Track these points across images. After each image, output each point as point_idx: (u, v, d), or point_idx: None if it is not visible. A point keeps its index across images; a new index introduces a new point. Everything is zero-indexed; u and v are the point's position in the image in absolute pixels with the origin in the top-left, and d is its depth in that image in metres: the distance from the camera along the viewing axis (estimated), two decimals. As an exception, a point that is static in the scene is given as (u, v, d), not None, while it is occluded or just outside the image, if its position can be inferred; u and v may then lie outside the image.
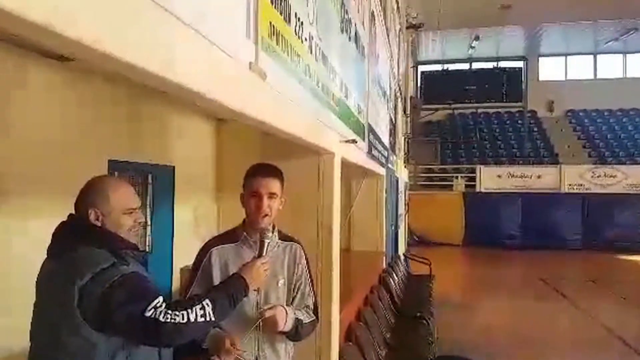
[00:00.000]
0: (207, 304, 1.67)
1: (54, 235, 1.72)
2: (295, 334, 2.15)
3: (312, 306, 2.26)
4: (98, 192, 1.72)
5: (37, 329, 1.66)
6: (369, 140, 5.60)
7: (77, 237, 1.67)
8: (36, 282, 1.69)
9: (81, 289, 1.54)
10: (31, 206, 3.24)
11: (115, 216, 1.71)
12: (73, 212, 1.75)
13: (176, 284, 5.28)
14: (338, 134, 3.60)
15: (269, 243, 2.05)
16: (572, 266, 14.87)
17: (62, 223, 1.74)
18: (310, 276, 2.32)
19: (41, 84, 3.34)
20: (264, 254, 2.02)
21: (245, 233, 2.18)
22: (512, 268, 14.41)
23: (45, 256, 1.71)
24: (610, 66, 23.90)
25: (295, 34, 2.40)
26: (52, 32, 0.89)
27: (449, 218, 17.43)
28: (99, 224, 1.70)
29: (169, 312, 1.57)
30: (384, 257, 7.80)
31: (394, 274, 7.77)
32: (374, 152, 6.16)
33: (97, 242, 1.65)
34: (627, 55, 23.80)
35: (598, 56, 24.00)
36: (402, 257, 10.46)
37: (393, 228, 9.12)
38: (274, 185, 2.13)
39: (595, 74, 24.15)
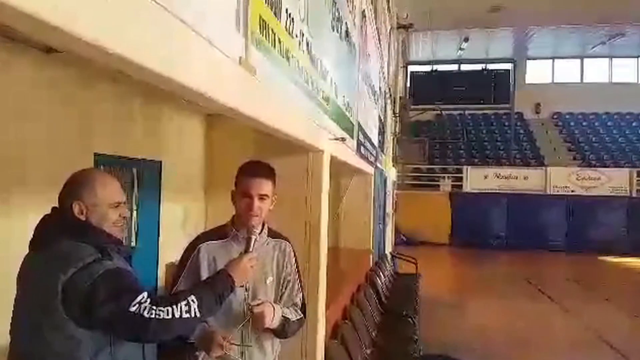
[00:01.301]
0: (192, 300, 1.65)
1: (36, 229, 1.68)
2: (282, 331, 2.14)
3: (299, 304, 2.26)
4: (84, 185, 1.69)
5: (18, 326, 1.62)
6: (358, 138, 5.61)
7: (60, 230, 1.63)
8: (17, 277, 1.65)
9: (65, 284, 1.51)
10: (15, 202, 3.20)
11: (101, 210, 1.68)
12: (57, 205, 1.71)
13: (162, 279, 5.24)
14: (327, 132, 3.60)
15: (255, 239, 2.04)
16: (556, 267, 15.04)
17: (45, 216, 1.70)
18: (299, 274, 2.31)
19: (27, 77, 3.29)
20: (251, 250, 2.00)
21: (234, 230, 2.17)
22: (498, 268, 14.53)
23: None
24: (597, 70, 24.22)
25: (286, 29, 2.39)
26: (52, 29, 0.89)
27: (436, 217, 17.55)
28: (83, 217, 1.66)
29: (154, 307, 1.55)
30: (372, 256, 7.81)
31: (381, 273, 7.79)
32: (363, 151, 6.17)
33: (80, 236, 1.62)
34: (613, 59, 24.11)
35: (585, 60, 24.30)
36: (389, 256, 10.50)
37: (381, 227, 9.14)
38: (266, 186, 2.12)
39: (581, 78, 24.46)
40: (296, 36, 2.58)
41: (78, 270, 1.53)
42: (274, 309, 2.08)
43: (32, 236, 1.68)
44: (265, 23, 2.06)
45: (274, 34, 2.18)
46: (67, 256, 1.56)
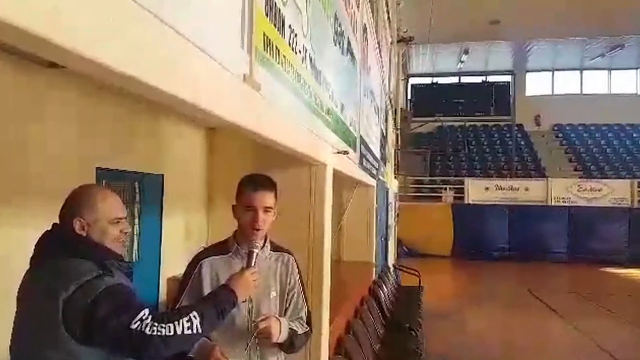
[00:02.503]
0: (194, 316, 1.64)
1: (37, 245, 1.68)
2: (290, 345, 2.12)
3: (305, 317, 2.24)
4: (84, 201, 1.68)
5: (18, 342, 1.61)
6: (360, 151, 5.62)
7: (60, 247, 1.63)
8: (17, 292, 1.65)
9: (65, 301, 1.50)
10: (16, 215, 3.19)
11: (101, 225, 1.67)
12: (57, 221, 1.71)
13: (163, 294, 5.22)
14: (330, 145, 3.60)
15: (257, 253, 2.02)
16: (558, 278, 14.98)
17: (46, 232, 1.70)
18: (303, 287, 2.29)
19: (28, 90, 3.30)
20: (253, 264, 1.99)
21: (236, 245, 2.15)
22: (500, 279, 14.48)
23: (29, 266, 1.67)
24: (596, 82, 24.33)
25: (289, 45, 2.41)
26: (48, 43, 0.89)
27: (437, 229, 17.49)
28: (84, 233, 1.66)
29: (156, 324, 1.54)
30: (374, 268, 7.79)
31: (384, 285, 7.76)
32: (365, 164, 6.18)
33: (81, 252, 1.62)
34: (612, 71, 24.24)
35: (584, 72, 24.42)
36: (391, 268, 10.46)
37: (383, 239, 9.12)
38: (269, 199, 2.10)
39: (581, 90, 24.58)
40: (299, 52, 2.60)
41: (79, 287, 1.52)
42: (280, 322, 2.06)
43: (33, 252, 1.67)
44: (269, 40, 2.07)
45: (278, 50, 2.19)
46: (68, 273, 1.56)
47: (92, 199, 1.69)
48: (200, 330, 1.65)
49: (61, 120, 3.63)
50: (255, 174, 2.23)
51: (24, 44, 0.94)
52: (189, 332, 1.61)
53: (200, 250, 2.28)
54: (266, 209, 2.09)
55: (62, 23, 0.91)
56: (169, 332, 1.56)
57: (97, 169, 4.01)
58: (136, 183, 5.00)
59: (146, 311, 1.56)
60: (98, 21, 1.01)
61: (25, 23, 0.83)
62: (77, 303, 1.50)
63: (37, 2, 0.85)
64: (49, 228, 1.72)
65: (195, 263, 2.15)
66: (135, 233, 4.97)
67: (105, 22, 1.03)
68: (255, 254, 2.01)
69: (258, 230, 2.08)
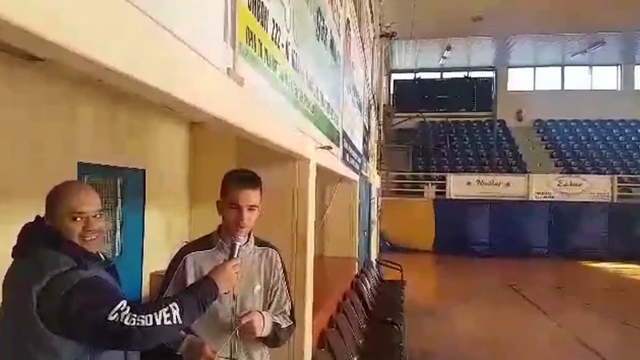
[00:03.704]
0: (174, 307, 1.63)
1: (18, 237, 1.68)
2: (274, 339, 2.14)
3: (289, 311, 2.25)
4: (50, 196, 1.69)
5: (2, 334, 1.61)
6: (343, 146, 5.63)
7: (36, 240, 1.63)
8: (2, 285, 1.64)
9: (39, 293, 1.50)
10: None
11: (61, 222, 1.66)
12: (42, 214, 1.71)
13: (146, 289, 5.19)
14: (313, 141, 3.61)
15: (239, 246, 2.02)
16: (539, 273, 15.17)
17: (27, 225, 1.70)
18: (287, 281, 2.30)
19: (8, 85, 3.25)
20: (235, 256, 1.99)
21: (220, 239, 2.16)
22: (481, 274, 14.62)
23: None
24: (577, 78, 24.64)
25: (273, 39, 2.40)
26: (41, 39, 0.89)
27: (420, 224, 17.61)
28: (54, 229, 1.66)
29: (134, 315, 1.54)
30: (357, 263, 7.82)
31: (366, 280, 7.80)
32: (349, 159, 6.19)
33: (55, 246, 1.61)
34: (593, 67, 24.56)
35: (565, 68, 24.70)
36: (374, 263, 10.51)
37: (366, 234, 9.16)
38: (255, 196, 2.10)
39: (562, 85, 24.84)
40: (282, 46, 2.60)
41: (52, 279, 1.52)
42: (263, 317, 2.07)
43: (15, 243, 1.68)
44: (253, 34, 2.07)
45: (261, 44, 2.19)
46: (42, 265, 1.56)
47: (54, 195, 1.69)
48: (180, 321, 1.64)
49: (43, 116, 3.58)
50: (240, 170, 2.22)
51: (22, 42, 0.94)
52: (169, 322, 1.60)
53: (184, 245, 2.27)
54: (251, 207, 2.09)
55: (56, 19, 0.91)
56: (148, 322, 1.56)
57: (79, 164, 3.98)
58: (118, 178, 4.96)
59: (124, 302, 1.56)
60: (88, 18, 1.01)
61: (24, 22, 0.83)
62: (52, 295, 1.50)
63: (37, 2, 0.86)
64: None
65: (179, 257, 2.14)
66: (117, 228, 4.93)
67: (93, 19, 1.03)
68: (237, 246, 2.01)
69: (243, 227, 2.08)
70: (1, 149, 3.18)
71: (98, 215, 1.71)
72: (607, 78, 24.56)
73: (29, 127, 3.47)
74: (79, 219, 1.67)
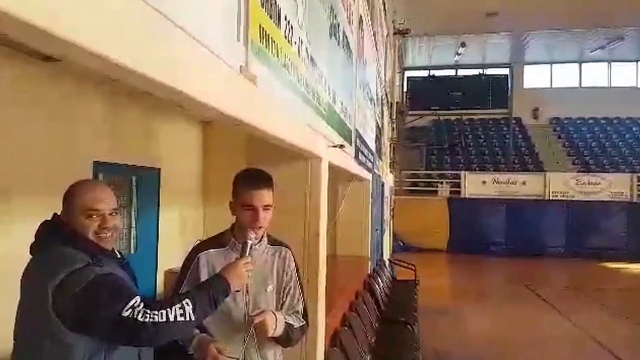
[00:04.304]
0: (187, 304, 1.65)
1: (35, 234, 1.71)
2: (286, 338, 2.14)
3: (301, 311, 2.25)
4: (67, 194, 1.72)
5: (18, 329, 1.64)
6: (356, 145, 5.61)
7: (52, 237, 1.66)
8: (20, 282, 1.67)
9: (54, 289, 1.52)
10: (15, 207, 3.19)
11: (77, 219, 1.68)
12: (58, 213, 1.74)
13: (161, 286, 5.22)
14: (326, 139, 3.59)
15: (251, 244, 2.03)
16: (555, 273, 15.02)
17: (44, 222, 1.73)
18: (300, 281, 2.30)
19: (22, 81, 3.28)
20: (247, 254, 1.99)
21: (233, 238, 2.16)
22: (496, 274, 14.52)
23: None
24: (595, 75, 24.23)
25: (285, 37, 2.39)
26: (48, 35, 0.88)
27: (433, 223, 17.49)
28: (69, 226, 1.69)
29: (148, 311, 1.55)
30: (369, 262, 7.79)
31: (379, 279, 7.77)
32: (361, 157, 6.17)
33: (70, 243, 1.64)
34: (612, 63, 24.16)
35: (583, 64, 24.33)
36: (387, 262, 10.47)
37: (378, 233, 9.13)
38: (268, 197, 2.10)
39: (580, 82, 24.47)
40: (295, 43, 2.58)
41: (67, 276, 1.53)
42: (275, 317, 2.07)
43: (33, 241, 1.71)
44: (265, 31, 2.06)
45: (274, 42, 2.18)
46: (57, 262, 1.58)
47: (71, 193, 1.72)
48: (193, 318, 1.65)
49: (58, 115, 3.61)
50: (251, 170, 2.22)
51: (27, 37, 0.94)
52: (182, 319, 1.62)
53: (197, 243, 2.28)
54: (266, 207, 2.09)
55: (63, 14, 0.91)
56: (162, 318, 1.57)
57: (95, 162, 4.01)
58: (133, 177, 4.99)
59: (138, 298, 1.57)
60: (98, 14, 1.00)
61: (29, 17, 0.82)
62: (66, 291, 1.52)
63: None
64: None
65: (193, 256, 2.16)
66: (132, 226, 4.97)
67: (104, 15, 1.02)
68: (249, 245, 2.02)
69: (260, 228, 2.09)
70: (16, 146, 3.21)
71: (114, 213, 1.74)
72: (626, 74, 24.12)
73: (46, 127, 3.50)
74: (94, 216, 1.70)
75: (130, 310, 1.53)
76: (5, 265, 2.73)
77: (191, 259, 2.15)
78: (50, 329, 1.52)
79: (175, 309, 1.61)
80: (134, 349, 1.70)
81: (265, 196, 2.09)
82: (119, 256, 1.79)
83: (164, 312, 1.58)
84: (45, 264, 1.60)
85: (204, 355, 1.95)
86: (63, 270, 1.54)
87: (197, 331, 2.00)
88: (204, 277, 2.08)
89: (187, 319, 1.63)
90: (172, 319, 1.59)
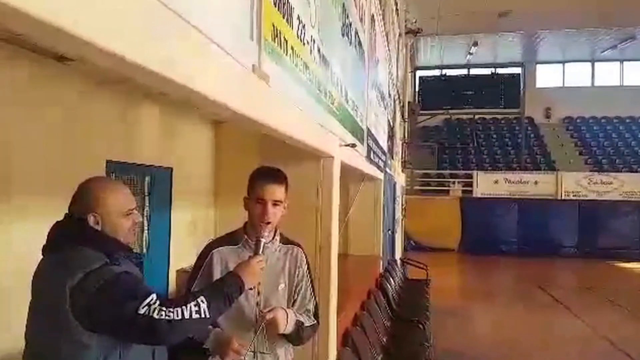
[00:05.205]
0: (202, 301, 1.66)
1: (49, 234, 1.71)
2: (297, 336, 2.14)
3: (312, 310, 2.25)
4: (95, 195, 1.70)
5: (31, 330, 1.64)
6: (367, 144, 5.60)
7: (71, 238, 1.66)
8: (32, 282, 1.67)
9: (72, 289, 1.52)
10: (28, 206, 3.21)
11: (114, 219, 1.70)
12: (68, 212, 1.73)
13: (172, 285, 5.25)
14: (338, 138, 3.59)
15: (265, 242, 2.04)
16: (568, 273, 14.90)
17: (57, 223, 1.72)
18: (311, 280, 2.30)
19: (37, 82, 3.31)
20: (260, 252, 2.00)
21: (246, 236, 2.18)
22: (508, 274, 14.42)
23: (41, 256, 1.69)
24: (608, 74, 24.00)
25: (298, 36, 2.39)
26: (57, 31, 0.88)
27: (445, 223, 17.41)
28: (98, 227, 1.68)
29: (164, 309, 1.56)
30: (381, 262, 7.78)
31: (391, 279, 7.75)
32: (373, 157, 6.16)
33: (92, 244, 1.64)
34: (624, 63, 23.92)
35: (595, 64, 24.11)
36: (398, 262, 10.45)
37: (390, 232, 9.11)
38: (279, 192, 2.12)
39: (592, 82, 24.26)
40: (307, 42, 2.59)
41: (85, 275, 1.54)
42: (286, 314, 2.08)
43: (45, 243, 1.70)
44: (278, 30, 2.06)
45: (286, 41, 2.18)
46: (75, 262, 1.58)
47: (103, 193, 1.71)
48: (207, 315, 1.66)
49: (72, 114, 3.64)
50: (266, 167, 2.24)
51: (38, 34, 0.95)
52: (197, 316, 1.62)
53: (210, 241, 2.30)
54: (275, 203, 2.10)
55: (81, 14, 0.91)
56: (177, 316, 1.58)
57: (107, 161, 4.04)
58: (146, 176, 5.02)
59: (154, 296, 1.58)
60: (112, 13, 1.01)
61: (38, 13, 0.83)
62: (84, 291, 1.52)
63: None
64: (59, 219, 1.73)
65: (206, 253, 2.18)
66: (144, 225, 5.00)
67: (118, 14, 1.03)
68: (262, 243, 2.03)
69: (268, 223, 2.09)
70: (28, 145, 3.24)
71: (136, 209, 1.79)
72: (638, 74, 23.86)
73: (62, 127, 3.53)
74: (130, 214, 1.74)
75: (146, 307, 1.54)
76: (6, 265, 2.76)
77: (205, 256, 2.17)
78: (68, 329, 1.53)
79: (191, 307, 1.62)
80: (148, 349, 1.71)
81: (276, 191, 2.10)
82: (136, 252, 1.80)
83: (179, 309, 1.59)
84: (63, 264, 1.59)
85: (223, 350, 1.96)
86: (80, 270, 1.55)
87: (211, 327, 2.01)
88: (217, 273, 2.09)
89: (202, 316, 1.64)
90: (187, 316, 1.60)
